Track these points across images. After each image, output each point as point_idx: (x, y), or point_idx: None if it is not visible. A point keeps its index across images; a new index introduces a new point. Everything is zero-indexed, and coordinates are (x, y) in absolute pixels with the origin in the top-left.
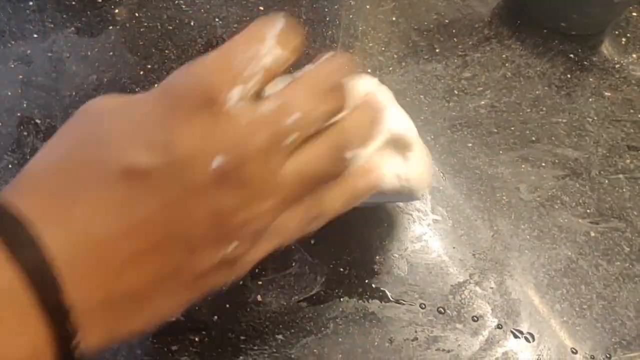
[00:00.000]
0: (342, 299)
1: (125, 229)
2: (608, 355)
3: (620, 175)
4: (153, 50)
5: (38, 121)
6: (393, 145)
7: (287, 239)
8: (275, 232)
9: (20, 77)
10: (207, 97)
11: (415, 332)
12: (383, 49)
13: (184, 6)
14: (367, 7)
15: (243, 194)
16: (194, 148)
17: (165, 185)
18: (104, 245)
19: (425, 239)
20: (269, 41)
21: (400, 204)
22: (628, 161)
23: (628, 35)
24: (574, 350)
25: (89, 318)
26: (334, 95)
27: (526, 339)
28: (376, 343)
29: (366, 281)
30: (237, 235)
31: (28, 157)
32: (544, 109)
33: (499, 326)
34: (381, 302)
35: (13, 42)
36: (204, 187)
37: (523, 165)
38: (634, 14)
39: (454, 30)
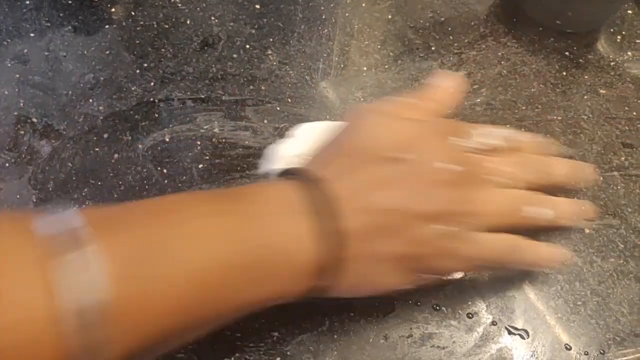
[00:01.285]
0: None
1: (386, 193)
2: (602, 352)
3: (615, 173)
4: (149, 49)
5: (35, 120)
6: None
7: (487, 259)
8: (481, 245)
9: (17, 76)
10: (438, 132)
11: (410, 329)
12: (379, 47)
13: (180, 5)
14: (363, 5)
15: (458, 190)
16: (423, 152)
17: (410, 168)
18: (367, 196)
19: None
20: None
21: None
22: (623, 158)
23: (623, 33)
24: (568, 347)
25: (353, 247)
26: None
27: (521, 335)
28: (371, 340)
29: None
30: (456, 220)
31: (24, 156)
32: (540, 106)
33: (493, 323)
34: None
35: (9, 41)
36: (433, 177)
37: None
38: (629, 11)
39: (449, 28)
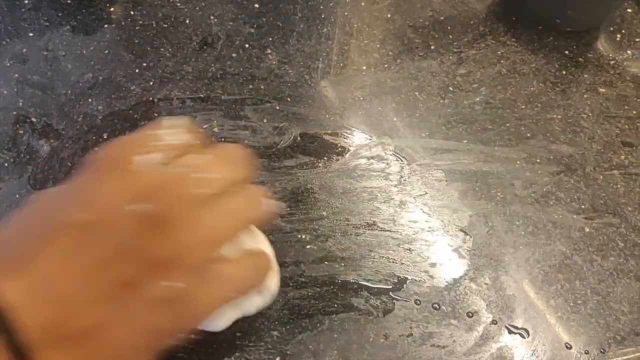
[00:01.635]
0: (337, 295)
1: (70, 270)
2: (602, 350)
3: (615, 171)
4: (148, 49)
5: (34, 119)
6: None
7: (239, 286)
8: (225, 278)
9: (16, 75)
10: (114, 161)
11: (411, 328)
12: (378, 46)
13: (179, 4)
14: (363, 4)
15: (160, 230)
16: (108, 200)
17: (97, 233)
18: (56, 286)
19: (420, 235)
20: (171, 129)
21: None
22: (622, 157)
23: (623, 31)
24: (569, 346)
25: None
26: (234, 166)
27: (521, 334)
28: (371, 339)
29: (361, 277)
30: (171, 268)
31: (24, 156)
32: (539, 105)
33: (493, 322)
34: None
35: (8, 41)
36: (125, 228)
37: (518, 162)
38: (629, 10)
39: (449, 27)
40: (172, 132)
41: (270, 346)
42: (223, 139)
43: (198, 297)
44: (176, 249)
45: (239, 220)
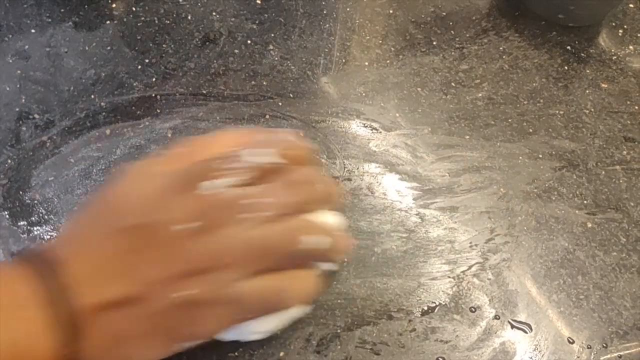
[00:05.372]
0: (339, 292)
1: (123, 268)
2: (605, 345)
3: (617, 167)
4: (150, 45)
5: (36, 116)
6: None
7: (248, 310)
8: (237, 300)
9: (18, 72)
10: (183, 183)
11: (414, 323)
12: (380, 41)
13: (181, 0)
14: (364, 0)
15: (205, 245)
16: (164, 217)
17: (148, 236)
18: (110, 267)
19: (423, 231)
20: (256, 149)
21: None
22: (625, 152)
23: (625, 27)
24: (571, 340)
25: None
26: (297, 190)
27: (523, 329)
28: (375, 334)
29: (364, 274)
30: (196, 278)
31: (25, 151)
32: (541, 100)
33: (496, 317)
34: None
35: (11, 37)
36: (172, 239)
37: (520, 157)
38: (631, 5)
39: (451, 23)
40: (255, 151)
41: (273, 341)
42: None
43: (206, 314)
44: (202, 262)
45: (272, 249)
